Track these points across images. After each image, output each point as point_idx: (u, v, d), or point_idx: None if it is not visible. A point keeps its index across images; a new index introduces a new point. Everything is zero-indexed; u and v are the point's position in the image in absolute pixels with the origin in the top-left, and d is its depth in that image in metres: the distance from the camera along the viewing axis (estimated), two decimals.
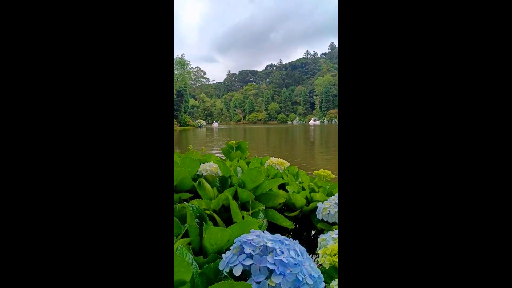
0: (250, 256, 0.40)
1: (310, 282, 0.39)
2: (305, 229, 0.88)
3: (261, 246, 0.42)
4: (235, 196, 0.69)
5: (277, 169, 1.14)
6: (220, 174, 0.75)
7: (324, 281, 0.48)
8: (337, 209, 0.64)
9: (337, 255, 0.52)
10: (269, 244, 0.42)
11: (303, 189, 0.84)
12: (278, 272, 0.39)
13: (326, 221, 0.67)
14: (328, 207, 0.65)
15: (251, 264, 0.40)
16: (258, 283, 0.38)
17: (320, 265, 0.54)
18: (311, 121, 55.89)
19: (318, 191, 0.81)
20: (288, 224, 0.68)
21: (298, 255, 0.42)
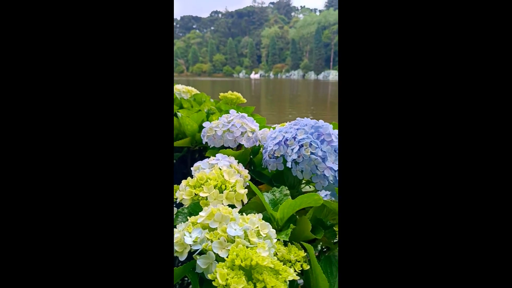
0: None
1: None
2: None
3: None
4: None
5: (182, 97, 0.91)
6: None
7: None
8: (226, 129, 0.45)
9: (202, 188, 0.34)
10: None
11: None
12: None
13: (214, 147, 0.49)
14: (215, 126, 0.46)
15: None
16: None
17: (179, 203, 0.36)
18: (252, 75, 55.09)
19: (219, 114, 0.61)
20: None
21: None
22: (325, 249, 0.44)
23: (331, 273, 0.33)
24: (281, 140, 0.42)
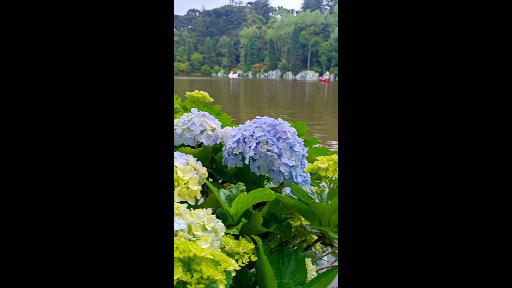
0: None
1: None
2: None
3: None
4: None
5: None
6: None
7: None
8: (186, 127, 0.46)
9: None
10: None
11: None
12: None
13: (175, 146, 0.49)
14: (175, 124, 0.46)
15: None
16: None
17: None
18: (230, 75, 55.22)
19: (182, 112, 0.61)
20: None
21: None
22: (283, 243, 0.46)
23: (283, 264, 0.35)
24: (240, 138, 0.43)
